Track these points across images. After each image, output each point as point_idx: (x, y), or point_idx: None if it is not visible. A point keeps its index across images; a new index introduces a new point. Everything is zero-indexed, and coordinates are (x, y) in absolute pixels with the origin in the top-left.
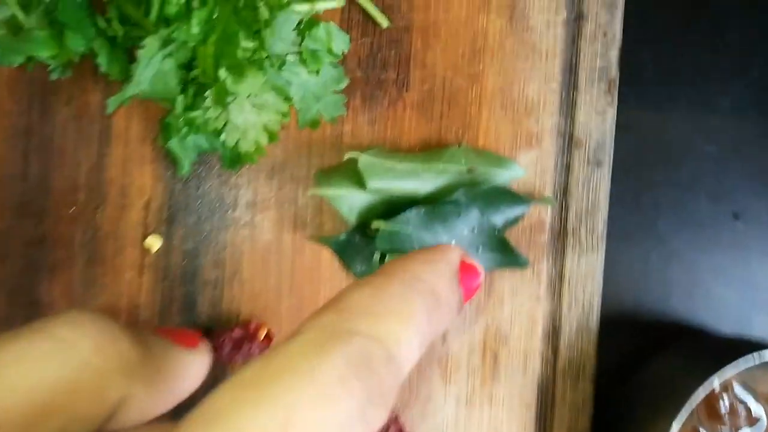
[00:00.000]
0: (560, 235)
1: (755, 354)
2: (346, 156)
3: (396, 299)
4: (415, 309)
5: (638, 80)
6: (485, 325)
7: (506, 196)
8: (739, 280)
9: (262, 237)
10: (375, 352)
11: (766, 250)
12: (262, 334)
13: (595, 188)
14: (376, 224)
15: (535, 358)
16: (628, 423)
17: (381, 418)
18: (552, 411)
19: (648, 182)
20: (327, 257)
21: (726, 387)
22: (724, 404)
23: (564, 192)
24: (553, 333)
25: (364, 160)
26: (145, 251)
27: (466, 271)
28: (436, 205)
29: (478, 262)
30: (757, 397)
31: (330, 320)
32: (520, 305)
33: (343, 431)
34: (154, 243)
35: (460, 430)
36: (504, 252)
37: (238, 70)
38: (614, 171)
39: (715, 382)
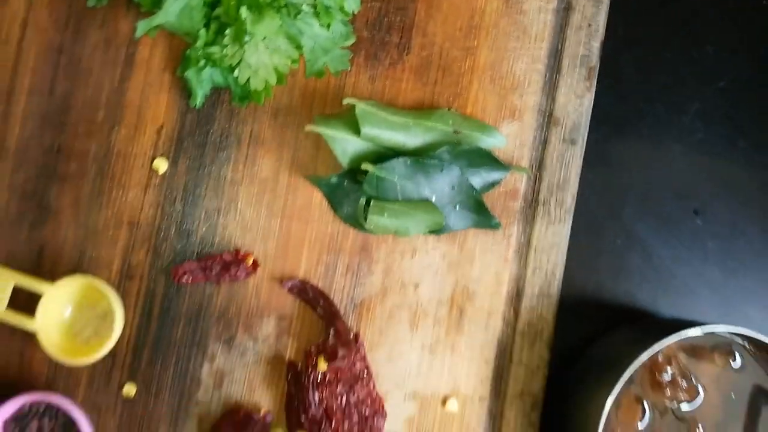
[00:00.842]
0: (532, 204)
1: (697, 327)
2: (345, 101)
3: None
4: None
5: (618, 76)
6: (455, 279)
7: (487, 159)
8: (695, 271)
9: (260, 174)
10: None
11: (722, 246)
12: (249, 261)
13: (567, 165)
14: (365, 165)
15: (497, 317)
16: (578, 391)
17: None
18: (509, 369)
19: (618, 171)
20: (317, 200)
21: (669, 359)
22: (667, 375)
23: (539, 165)
24: (517, 296)
25: (361, 107)
26: (152, 173)
27: None
28: (421, 157)
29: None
30: (699, 377)
31: None
32: (489, 265)
33: None
34: (161, 166)
35: (422, 374)
36: (479, 212)
37: (258, 11)
38: (587, 156)
39: (657, 351)
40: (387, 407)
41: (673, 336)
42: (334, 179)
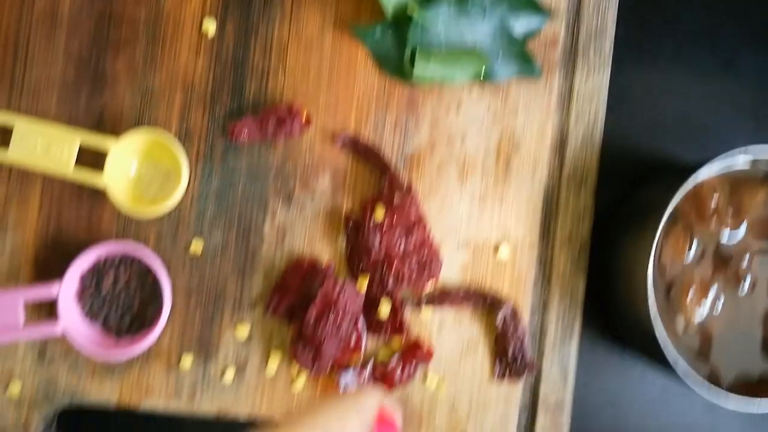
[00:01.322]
0: (571, 53)
1: (741, 154)
2: None
3: None
4: None
5: None
6: (500, 130)
7: (527, 2)
8: (730, 123)
9: (305, 32)
10: None
11: (756, 98)
12: (303, 115)
13: (604, 12)
14: (411, 7)
15: (543, 166)
16: (624, 233)
17: None
18: (556, 216)
19: (651, 24)
20: (362, 58)
21: (714, 188)
22: (712, 203)
23: (576, 12)
24: (561, 144)
25: None
26: (202, 36)
27: (381, 424)
28: (464, 3)
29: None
30: (743, 208)
31: None
32: (532, 116)
33: None
34: (210, 28)
35: (473, 225)
36: (521, 59)
37: None
38: (621, 7)
39: (702, 180)
40: (441, 255)
41: (718, 161)
42: (378, 32)
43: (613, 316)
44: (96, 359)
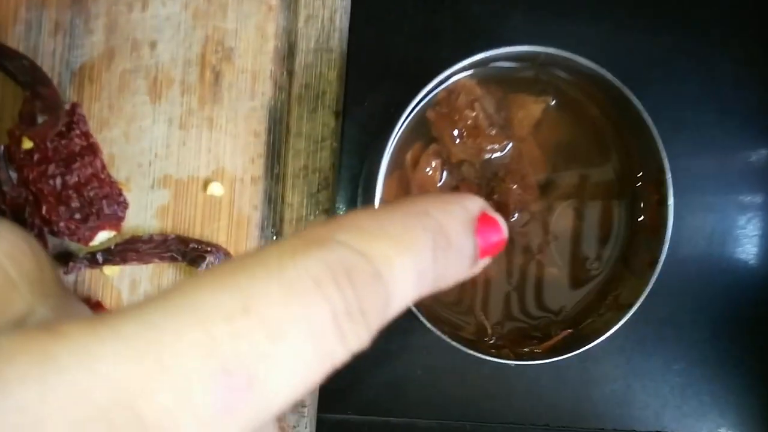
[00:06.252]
0: None
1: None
2: None
3: (397, 226)
4: (416, 239)
5: None
6: (204, 35)
7: None
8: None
9: None
10: (359, 265)
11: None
12: None
13: None
14: None
15: (265, 80)
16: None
17: (359, 338)
18: (287, 141)
19: None
20: None
21: (472, 103)
22: (468, 121)
23: None
24: (289, 53)
25: None
26: None
27: (485, 222)
28: None
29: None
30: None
31: (318, 231)
32: (248, 15)
33: (312, 335)
34: None
35: (173, 155)
36: None
37: None
38: None
39: (446, 83)
40: (130, 196)
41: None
42: None
43: None
44: None
